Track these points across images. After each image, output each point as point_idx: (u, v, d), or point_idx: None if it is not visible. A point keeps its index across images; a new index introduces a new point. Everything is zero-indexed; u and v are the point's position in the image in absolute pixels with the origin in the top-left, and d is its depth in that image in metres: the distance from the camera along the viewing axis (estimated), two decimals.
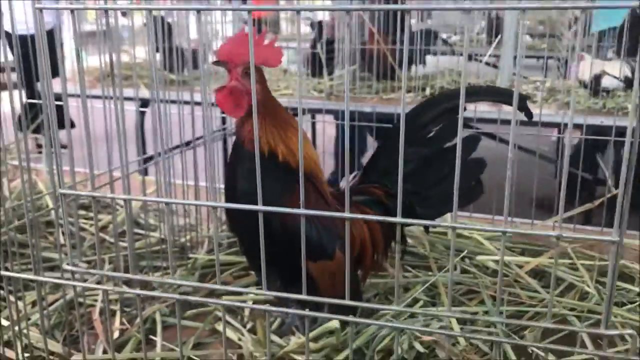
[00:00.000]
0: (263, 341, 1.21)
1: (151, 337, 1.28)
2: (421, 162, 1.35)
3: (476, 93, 1.42)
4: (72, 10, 0.75)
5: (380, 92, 3.60)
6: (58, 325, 1.31)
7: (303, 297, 0.88)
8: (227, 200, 1.25)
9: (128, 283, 1.42)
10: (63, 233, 1.52)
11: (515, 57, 4.59)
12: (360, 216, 0.89)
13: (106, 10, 0.78)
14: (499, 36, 4.56)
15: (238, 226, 1.26)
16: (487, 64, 4.32)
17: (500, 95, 1.38)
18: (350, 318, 0.91)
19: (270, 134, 1.17)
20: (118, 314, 1.34)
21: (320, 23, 3.89)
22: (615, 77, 3.29)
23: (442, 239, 1.64)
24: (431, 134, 1.35)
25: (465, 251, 1.55)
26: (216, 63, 1.13)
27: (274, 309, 0.94)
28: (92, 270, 0.96)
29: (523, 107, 1.31)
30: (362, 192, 1.34)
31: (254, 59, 1.03)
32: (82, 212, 1.84)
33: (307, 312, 0.88)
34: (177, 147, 1.72)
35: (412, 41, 3.73)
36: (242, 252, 1.39)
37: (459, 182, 0.79)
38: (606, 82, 3.31)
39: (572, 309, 1.33)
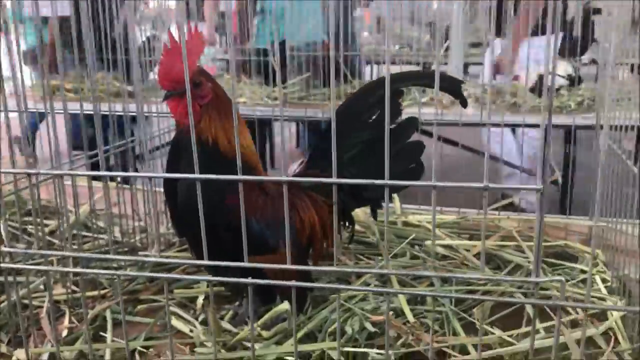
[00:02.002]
0: (216, 331, 1.20)
1: (102, 333, 1.27)
2: (364, 147, 1.38)
3: (409, 78, 1.45)
4: None
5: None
6: (4, 326, 1.27)
7: (240, 264, 0.88)
8: (168, 191, 1.25)
9: (76, 283, 1.41)
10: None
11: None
12: (297, 179, 0.91)
13: None
14: (447, 42, 4.69)
15: (184, 224, 1.25)
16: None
17: (429, 79, 1.41)
18: (293, 282, 0.91)
19: (213, 124, 1.19)
20: (67, 312, 1.32)
21: None
22: (560, 76, 3.40)
23: (392, 228, 1.66)
24: (372, 119, 1.38)
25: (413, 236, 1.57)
26: (168, 96, 1.16)
27: (212, 278, 0.94)
28: (31, 251, 0.94)
29: (457, 92, 1.35)
30: (309, 177, 1.35)
31: (190, 64, 1.07)
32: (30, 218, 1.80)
33: (250, 280, 0.88)
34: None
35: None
36: (192, 253, 1.37)
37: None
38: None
39: (519, 287, 1.36)
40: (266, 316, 1.19)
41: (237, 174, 1.17)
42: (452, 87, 1.38)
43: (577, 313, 1.25)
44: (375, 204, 1.44)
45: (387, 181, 0.78)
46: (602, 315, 1.25)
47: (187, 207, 1.15)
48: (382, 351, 1.10)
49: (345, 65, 3.72)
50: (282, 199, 1.25)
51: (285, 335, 1.20)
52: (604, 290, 1.33)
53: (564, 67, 3.44)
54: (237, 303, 1.36)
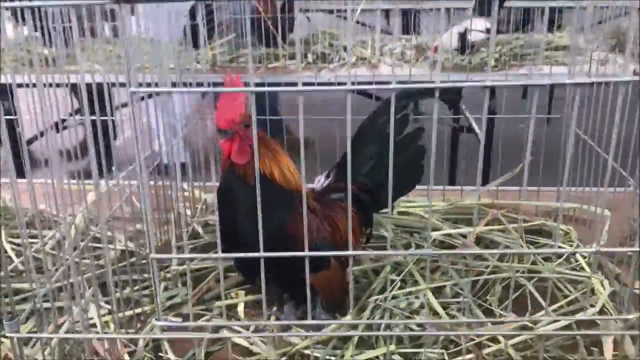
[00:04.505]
0: (277, 343, 1.32)
1: (160, 354, 1.35)
2: (378, 157, 1.52)
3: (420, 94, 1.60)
4: None
5: (265, 61, 3.65)
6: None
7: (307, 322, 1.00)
8: (227, 228, 1.32)
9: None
10: None
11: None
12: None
13: None
14: None
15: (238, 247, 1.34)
16: (358, 22, 4.52)
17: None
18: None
19: (266, 160, 1.28)
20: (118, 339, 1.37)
21: None
22: (480, 31, 3.62)
23: (392, 218, 1.82)
24: (387, 131, 1.52)
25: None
26: (223, 133, 1.23)
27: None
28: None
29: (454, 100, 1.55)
30: (339, 189, 1.48)
31: (238, 114, 1.23)
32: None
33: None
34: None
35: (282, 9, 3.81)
36: (237, 268, 1.46)
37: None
38: (471, 37, 3.63)
39: (516, 271, 1.57)
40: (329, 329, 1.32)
41: (294, 202, 1.28)
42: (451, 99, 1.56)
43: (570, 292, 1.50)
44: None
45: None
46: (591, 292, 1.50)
47: (251, 239, 1.24)
48: (433, 350, 1.28)
49: (274, 26, 3.73)
50: (326, 218, 1.38)
51: (339, 339, 1.34)
52: (586, 267, 1.58)
53: (482, 23, 3.68)
54: (275, 308, 1.48)
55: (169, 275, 1.59)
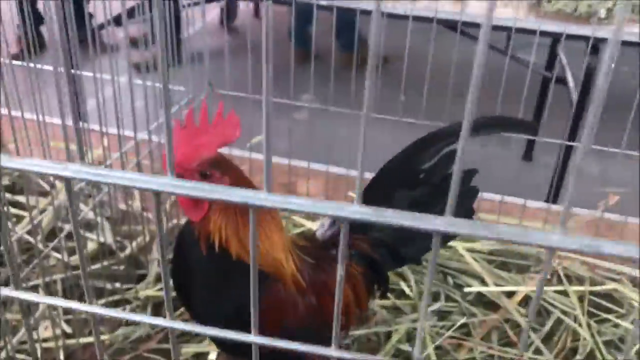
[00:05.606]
0: None
1: None
2: (410, 205, 1.16)
3: (478, 128, 1.19)
4: None
5: None
6: None
7: None
8: (179, 284, 1.03)
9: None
10: None
11: None
12: None
13: None
14: None
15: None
16: None
17: (507, 126, 1.23)
18: None
19: (224, 224, 0.94)
20: None
21: None
22: None
23: None
24: (423, 174, 1.16)
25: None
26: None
27: None
28: None
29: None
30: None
31: (194, 157, 0.90)
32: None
33: None
34: None
35: None
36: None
37: None
38: None
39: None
40: None
41: (262, 284, 0.97)
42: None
43: None
44: (414, 261, 1.24)
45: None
46: None
47: (204, 312, 0.99)
48: None
49: None
50: (314, 289, 1.07)
51: None
52: None
53: None
54: None
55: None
